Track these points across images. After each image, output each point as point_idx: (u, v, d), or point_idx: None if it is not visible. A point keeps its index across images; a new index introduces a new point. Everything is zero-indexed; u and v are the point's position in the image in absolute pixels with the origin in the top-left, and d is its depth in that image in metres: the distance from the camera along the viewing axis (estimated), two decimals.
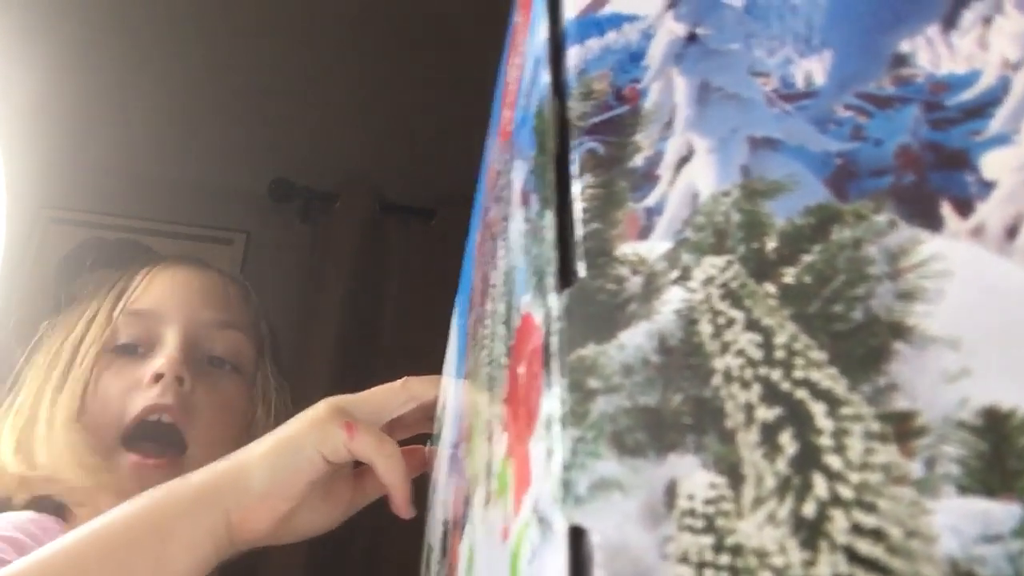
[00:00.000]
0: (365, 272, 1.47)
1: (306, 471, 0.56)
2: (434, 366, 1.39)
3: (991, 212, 0.22)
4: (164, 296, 0.82)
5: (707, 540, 0.22)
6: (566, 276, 0.28)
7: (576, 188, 0.28)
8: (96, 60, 1.24)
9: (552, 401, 0.26)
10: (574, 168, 0.29)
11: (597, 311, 0.26)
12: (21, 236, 1.35)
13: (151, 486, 0.69)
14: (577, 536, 0.23)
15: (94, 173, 1.43)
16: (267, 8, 1.19)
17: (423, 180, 1.55)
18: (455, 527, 0.45)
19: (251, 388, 0.83)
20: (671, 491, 0.23)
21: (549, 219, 0.29)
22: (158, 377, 0.76)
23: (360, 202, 1.51)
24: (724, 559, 0.21)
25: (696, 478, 0.23)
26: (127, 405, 0.75)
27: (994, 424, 0.20)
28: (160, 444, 0.75)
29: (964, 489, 0.20)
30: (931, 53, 0.25)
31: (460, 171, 1.56)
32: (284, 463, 0.56)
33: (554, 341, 0.26)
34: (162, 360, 0.76)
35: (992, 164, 0.23)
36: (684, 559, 0.22)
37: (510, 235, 0.36)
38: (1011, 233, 0.22)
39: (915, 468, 0.21)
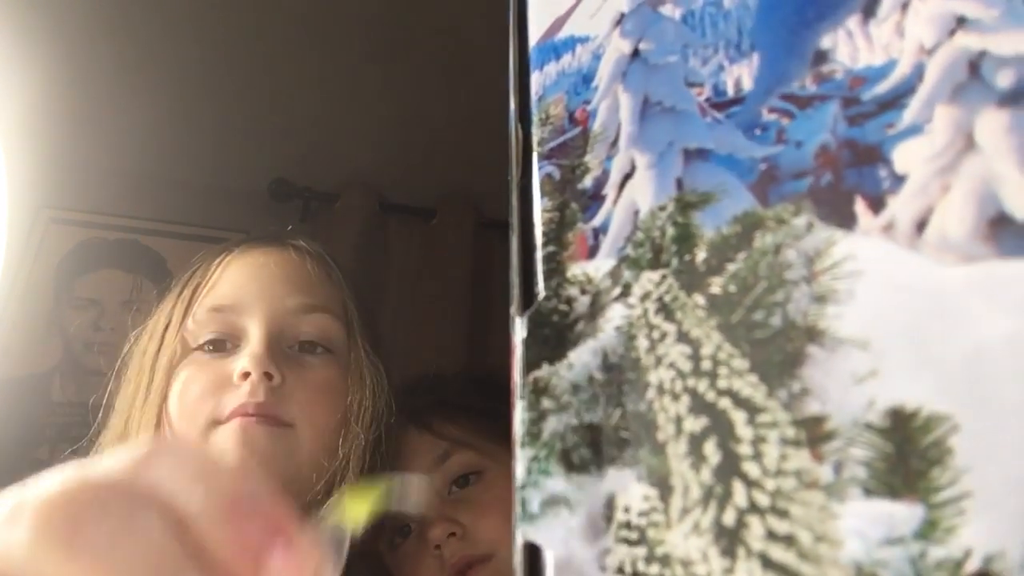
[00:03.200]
0: (365, 272, 1.46)
1: None
2: (434, 365, 1.38)
3: (902, 206, 0.22)
4: (242, 287, 0.77)
5: (640, 551, 0.23)
6: (528, 299, 0.29)
7: (536, 212, 0.30)
8: (96, 60, 1.25)
9: (516, 423, 0.27)
10: (535, 193, 0.30)
11: (551, 332, 0.27)
12: (21, 236, 1.37)
13: (257, 444, 0.68)
14: (534, 552, 0.25)
15: (94, 173, 1.44)
16: (267, 9, 1.18)
17: (423, 180, 1.52)
18: None
19: (345, 369, 0.77)
20: (610, 505, 0.24)
21: (513, 244, 0.30)
22: (245, 375, 0.72)
23: (360, 202, 1.52)
24: (654, 569, 0.22)
25: (632, 491, 0.24)
26: (219, 403, 0.72)
27: (899, 424, 0.20)
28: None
29: (869, 491, 0.20)
30: (850, 46, 0.25)
31: (460, 171, 1.54)
32: None
33: (517, 363, 0.28)
34: (247, 359, 0.72)
35: (904, 157, 0.22)
36: (620, 570, 0.23)
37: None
38: (920, 226, 0.21)
39: (825, 472, 0.21)
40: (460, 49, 1.26)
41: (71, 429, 1.32)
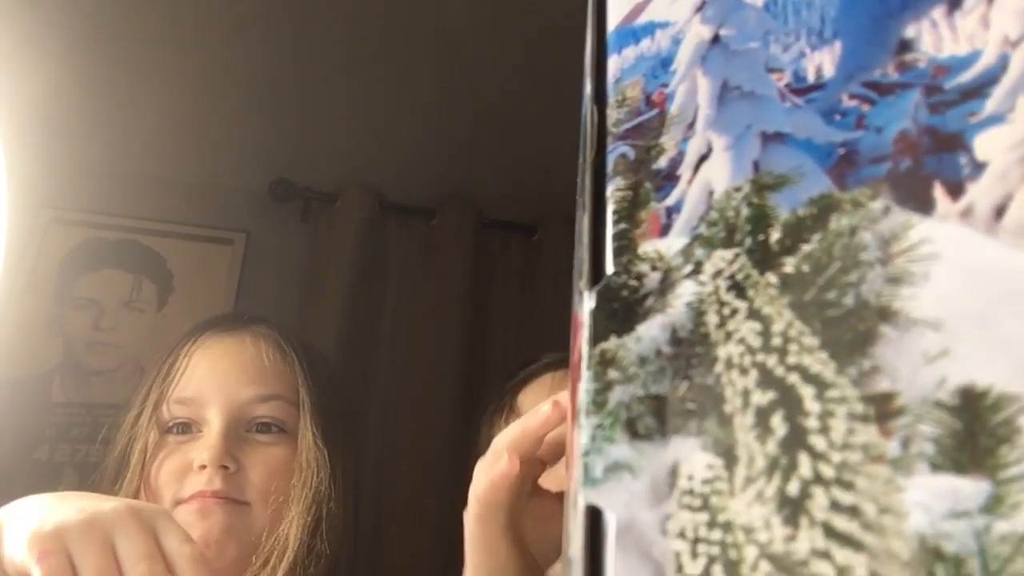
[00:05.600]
0: (365, 272, 1.48)
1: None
2: (433, 365, 1.38)
3: (981, 193, 0.22)
4: (204, 380, 0.87)
5: (702, 517, 0.23)
6: (598, 274, 0.29)
7: (608, 191, 0.30)
8: (97, 60, 1.26)
9: (581, 392, 0.28)
10: (608, 172, 0.31)
11: (620, 306, 0.28)
12: (21, 236, 1.37)
13: (215, 520, 0.78)
14: (595, 515, 0.25)
15: (94, 173, 1.44)
16: (268, 9, 1.18)
17: (424, 180, 1.54)
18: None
19: (296, 451, 0.86)
20: (674, 472, 0.24)
21: (585, 222, 0.31)
22: (203, 466, 0.81)
23: (360, 202, 1.52)
24: (716, 535, 0.23)
25: (696, 460, 0.24)
26: (181, 486, 0.81)
27: (969, 403, 0.20)
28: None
29: (936, 467, 0.20)
30: (934, 36, 0.25)
31: (460, 171, 1.53)
32: None
33: (583, 335, 0.28)
34: (205, 452, 0.81)
35: (985, 145, 0.23)
36: (681, 535, 0.23)
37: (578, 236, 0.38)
38: (999, 213, 0.22)
39: (892, 447, 0.21)
40: (461, 50, 1.26)
41: (71, 429, 1.34)
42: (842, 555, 0.20)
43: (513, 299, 1.60)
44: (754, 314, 0.25)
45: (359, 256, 1.49)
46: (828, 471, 0.22)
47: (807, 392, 0.23)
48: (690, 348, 0.26)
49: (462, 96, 1.34)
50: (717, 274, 0.26)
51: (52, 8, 1.16)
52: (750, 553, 0.22)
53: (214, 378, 0.88)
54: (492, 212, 1.60)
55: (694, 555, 0.23)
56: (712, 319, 0.26)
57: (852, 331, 0.23)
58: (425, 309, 1.50)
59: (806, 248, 0.25)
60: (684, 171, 0.28)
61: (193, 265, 1.49)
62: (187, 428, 0.86)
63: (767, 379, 0.24)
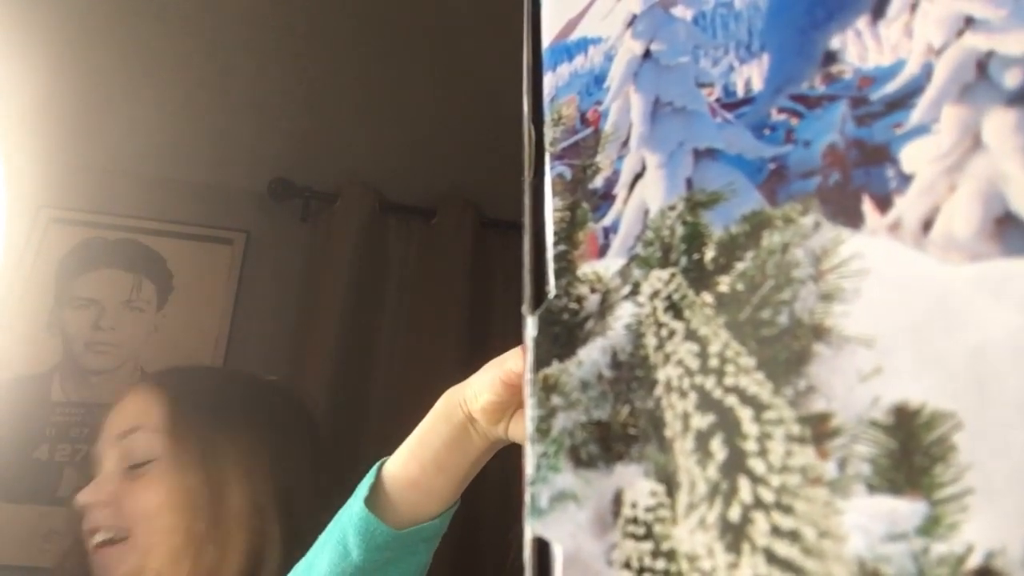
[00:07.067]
0: (365, 272, 1.48)
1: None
2: (433, 365, 1.38)
3: (909, 206, 0.22)
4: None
5: (647, 546, 0.23)
6: (540, 297, 0.29)
7: (547, 212, 0.30)
8: (97, 60, 1.26)
9: (526, 419, 0.27)
10: (547, 193, 0.30)
11: (561, 330, 0.27)
12: (21, 236, 1.38)
13: (110, 566, 0.86)
14: (543, 545, 0.25)
15: (94, 173, 1.45)
16: (268, 9, 1.19)
17: (423, 180, 1.54)
18: None
19: (178, 474, 0.90)
20: (617, 500, 0.24)
21: (526, 243, 0.30)
22: (84, 507, 0.89)
23: (360, 202, 1.52)
24: (660, 564, 0.23)
25: (639, 487, 0.24)
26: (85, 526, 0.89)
27: (903, 421, 0.20)
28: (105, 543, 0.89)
29: (873, 488, 0.20)
30: (859, 46, 0.25)
31: (460, 171, 1.53)
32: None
33: (528, 361, 0.28)
34: (87, 495, 0.88)
35: (911, 156, 0.23)
36: (626, 565, 0.23)
37: None
38: (926, 226, 0.22)
39: (829, 469, 0.21)
40: (461, 50, 1.26)
41: (71, 429, 1.34)
42: None
43: (513, 299, 1.59)
44: (691, 335, 0.24)
45: (359, 256, 1.48)
46: (768, 495, 0.21)
47: (745, 414, 0.23)
48: (630, 371, 0.25)
49: (462, 96, 1.33)
50: (654, 295, 0.26)
51: (52, 8, 1.15)
52: None
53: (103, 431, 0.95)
54: (492, 212, 1.60)
55: None
56: (651, 341, 0.25)
57: (787, 350, 0.22)
58: (425, 309, 1.49)
59: (740, 266, 0.24)
60: (620, 190, 0.28)
61: (193, 265, 1.49)
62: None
63: (706, 402, 0.23)
